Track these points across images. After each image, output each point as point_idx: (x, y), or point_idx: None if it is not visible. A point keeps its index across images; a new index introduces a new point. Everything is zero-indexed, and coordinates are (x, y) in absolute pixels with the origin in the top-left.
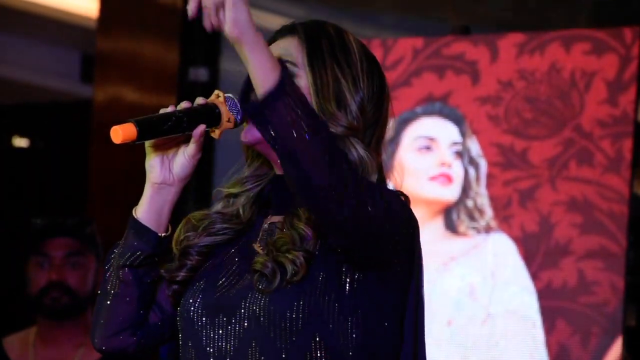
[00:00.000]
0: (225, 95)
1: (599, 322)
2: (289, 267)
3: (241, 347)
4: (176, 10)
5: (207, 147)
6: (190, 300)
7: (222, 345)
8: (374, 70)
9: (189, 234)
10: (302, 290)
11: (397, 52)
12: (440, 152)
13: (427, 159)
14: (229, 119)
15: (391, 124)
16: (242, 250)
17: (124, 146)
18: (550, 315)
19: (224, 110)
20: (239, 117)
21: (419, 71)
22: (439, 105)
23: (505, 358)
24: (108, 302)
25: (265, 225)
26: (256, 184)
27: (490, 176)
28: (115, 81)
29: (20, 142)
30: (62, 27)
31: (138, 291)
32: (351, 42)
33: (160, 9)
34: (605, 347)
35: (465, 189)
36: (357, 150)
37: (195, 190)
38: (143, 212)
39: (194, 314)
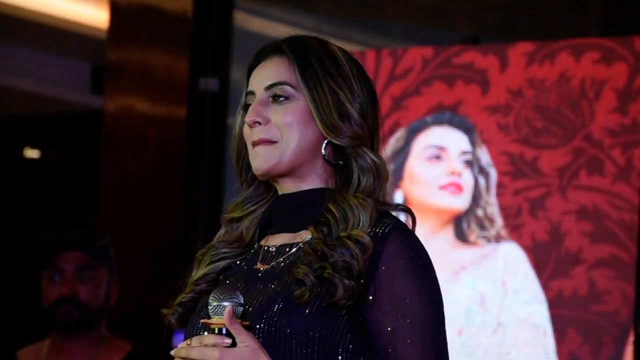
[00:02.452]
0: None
1: (609, 330)
2: (340, 292)
3: None
4: (186, 21)
5: (217, 178)
6: (195, 323)
7: None
8: (364, 75)
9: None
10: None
11: (407, 61)
12: (450, 161)
13: (437, 168)
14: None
15: (401, 134)
16: (246, 274)
17: (134, 156)
18: (561, 324)
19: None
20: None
21: (429, 80)
22: (449, 115)
23: None
24: None
25: (272, 248)
26: (258, 204)
27: (500, 185)
28: (126, 92)
29: (31, 153)
30: (72, 38)
31: None
32: (337, 52)
33: (170, 20)
34: (616, 356)
35: (476, 198)
36: (371, 157)
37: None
38: None
39: (196, 334)
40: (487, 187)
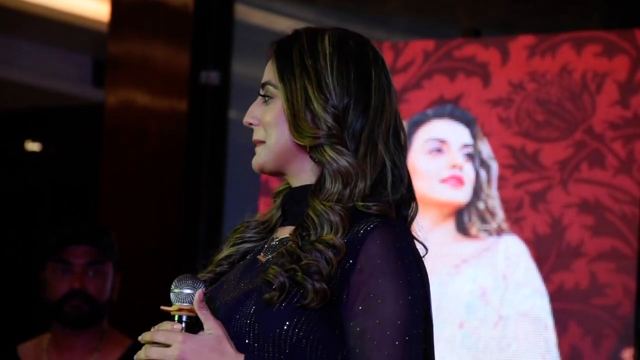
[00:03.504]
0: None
1: (611, 324)
2: (310, 295)
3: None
4: (187, 14)
5: (218, 171)
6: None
7: None
8: (350, 65)
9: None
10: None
11: (408, 54)
12: (451, 154)
13: (438, 162)
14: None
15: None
16: (249, 264)
17: (135, 150)
18: (562, 317)
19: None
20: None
21: (430, 73)
22: (450, 108)
23: None
24: None
25: (275, 241)
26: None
27: (501, 178)
28: (127, 85)
29: (32, 146)
30: (73, 31)
31: None
32: (324, 43)
33: (171, 13)
34: (617, 349)
35: (477, 191)
36: (337, 161)
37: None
38: None
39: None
40: (488, 180)
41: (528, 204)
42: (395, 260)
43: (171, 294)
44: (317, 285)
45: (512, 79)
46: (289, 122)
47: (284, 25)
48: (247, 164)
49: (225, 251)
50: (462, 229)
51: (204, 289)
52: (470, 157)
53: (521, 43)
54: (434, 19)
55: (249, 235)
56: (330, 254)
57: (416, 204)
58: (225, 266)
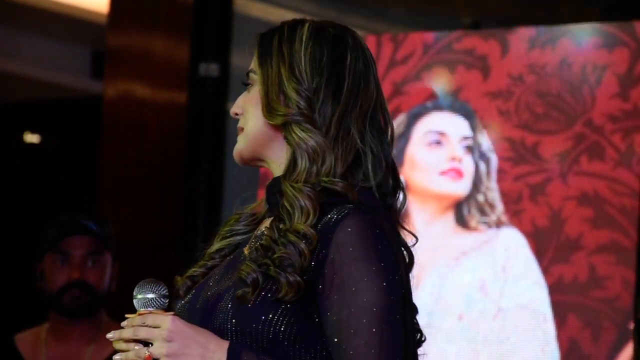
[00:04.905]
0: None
1: (610, 316)
2: (284, 289)
3: None
4: (186, 6)
5: (218, 163)
6: (182, 306)
7: None
8: (324, 49)
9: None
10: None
11: (407, 47)
12: (450, 146)
13: (437, 154)
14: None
15: (401, 119)
16: (235, 256)
17: (134, 142)
18: (561, 309)
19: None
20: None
21: (430, 66)
22: (450, 100)
23: (516, 353)
24: None
25: (259, 233)
26: None
27: (500, 171)
28: (126, 77)
29: (31, 138)
30: (72, 23)
31: None
32: (303, 30)
33: (170, 5)
34: (616, 342)
35: (476, 184)
36: (305, 140)
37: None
38: None
39: (180, 309)
40: (488, 173)
41: (527, 197)
42: (366, 246)
43: (134, 300)
44: (291, 278)
45: (512, 72)
46: (262, 104)
47: (283, 16)
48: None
49: (216, 244)
50: (462, 222)
51: (165, 292)
52: (470, 149)
53: (521, 35)
54: (434, 11)
55: (239, 227)
56: (302, 245)
57: (404, 193)
58: (217, 259)
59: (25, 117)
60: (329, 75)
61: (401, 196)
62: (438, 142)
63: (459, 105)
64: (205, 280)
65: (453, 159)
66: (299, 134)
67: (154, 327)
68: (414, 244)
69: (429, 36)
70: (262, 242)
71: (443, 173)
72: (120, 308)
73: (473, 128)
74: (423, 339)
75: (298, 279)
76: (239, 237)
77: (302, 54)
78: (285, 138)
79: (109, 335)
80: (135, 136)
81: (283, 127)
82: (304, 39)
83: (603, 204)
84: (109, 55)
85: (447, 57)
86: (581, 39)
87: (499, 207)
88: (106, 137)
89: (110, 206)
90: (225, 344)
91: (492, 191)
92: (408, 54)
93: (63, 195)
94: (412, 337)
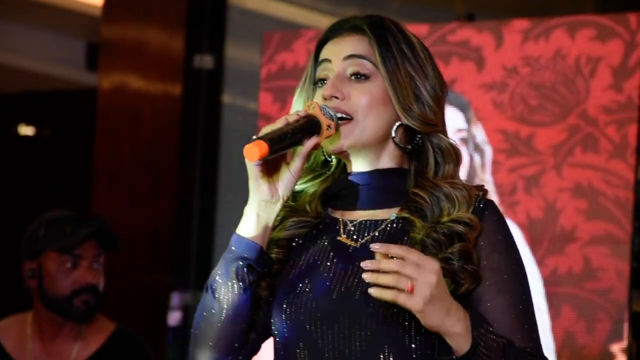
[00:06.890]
0: (320, 105)
1: (604, 308)
2: (468, 280)
3: (369, 348)
4: None
5: (212, 155)
6: (298, 303)
7: (344, 348)
8: (434, 62)
9: None
10: None
11: None
12: None
13: None
14: (328, 125)
15: None
16: (334, 248)
17: (129, 133)
18: (555, 301)
19: (322, 119)
20: (335, 122)
21: None
22: None
23: None
24: (219, 325)
25: (350, 223)
26: (316, 180)
27: (495, 163)
28: (120, 69)
29: (26, 130)
30: (67, 15)
31: (249, 312)
32: (411, 36)
33: None
34: (610, 333)
35: (471, 176)
36: (448, 141)
37: (201, 199)
38: (250, 230)
39: (305, 317)
40: (483, 165)
41: (522, 188)
42: (509, 237)
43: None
44: (469, 268)
45: (506, 64)
46: (399, 105)
47: (278, 9)
48: (240, 147)
49: (280, 233)
50: None
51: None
52: (465, 141)
53: (515, 27)
54: (428, 3)
55: (295, 221)
56: (468, 233)
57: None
58: (280, 250)
59: (19, 109)
60: (441, 84)
61: None
62: None
63: (453, 97)
64: (301, 272)
65: None
66: (446, 138)
67: (418, 265)
68: None
69: (424, 28)
70: (424, 236)
71: None
72: (115, 300)
73: (468, 120)
74: None
75: (475, 267)
76: (298, 231)
77: (425, 61)
78: (422, 140)
79: (365, 264)
80: (130, 128)
81: (420, 131)
82: (416, 43)
83: (597, 195)
84: (103, 47)
85: (442, 49)
86: (575, 31)
87: (494, 198)
88: (101, 129)
89: (104, 197)
90: (461, 307)
91: (487, 183)
92: None
93: (57, 187)
94: None
